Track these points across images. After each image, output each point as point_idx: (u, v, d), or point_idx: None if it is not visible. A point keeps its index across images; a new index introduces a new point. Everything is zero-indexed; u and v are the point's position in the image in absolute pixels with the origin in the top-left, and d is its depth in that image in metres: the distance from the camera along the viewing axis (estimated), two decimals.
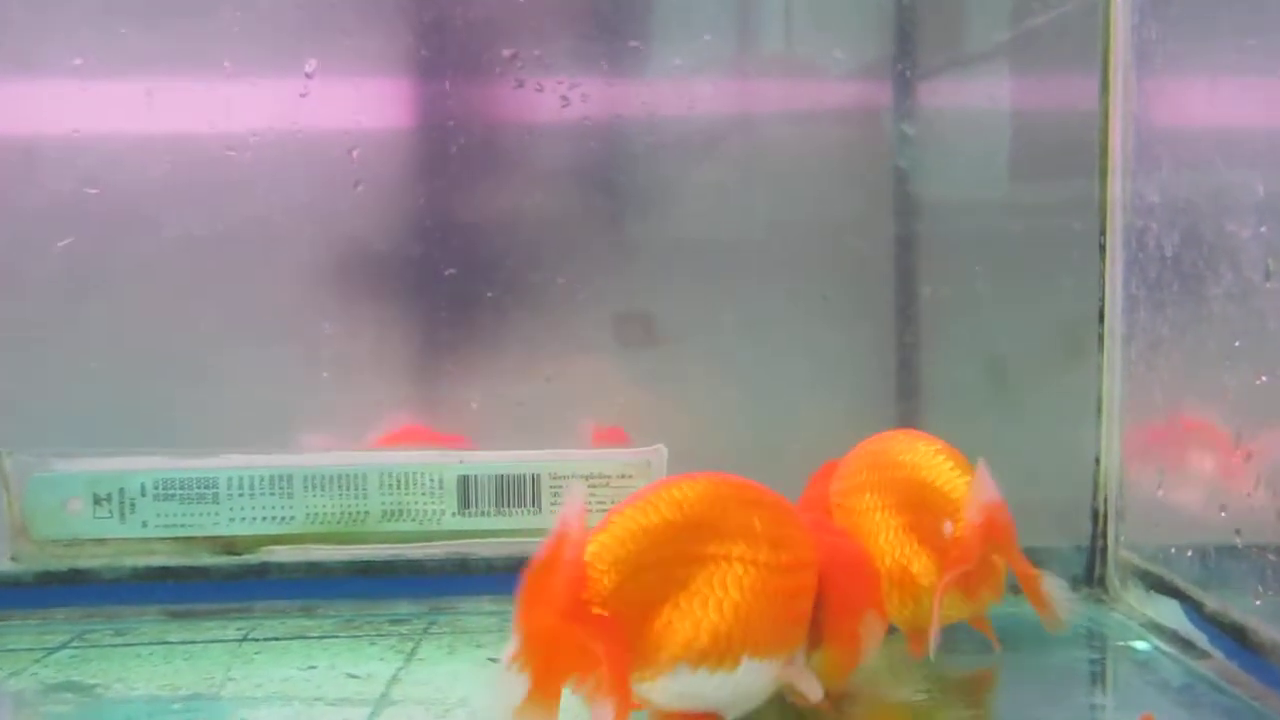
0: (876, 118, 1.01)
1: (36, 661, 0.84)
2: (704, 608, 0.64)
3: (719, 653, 0.64)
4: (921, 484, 0.80)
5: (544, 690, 0.59)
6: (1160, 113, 0.91)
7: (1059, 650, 0.86)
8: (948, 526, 0.78)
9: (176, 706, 0.76)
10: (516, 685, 0.58)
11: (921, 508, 0.79)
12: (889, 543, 0.80)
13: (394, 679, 0.80)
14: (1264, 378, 0.74)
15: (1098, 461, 0.98)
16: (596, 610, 0.61)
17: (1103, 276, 0.97)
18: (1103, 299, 0.97)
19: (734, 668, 0.64)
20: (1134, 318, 0.92)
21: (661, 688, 0.64)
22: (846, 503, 0.85)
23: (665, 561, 0.64)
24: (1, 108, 0.98)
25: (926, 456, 0.81)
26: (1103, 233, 0.97)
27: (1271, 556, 0.74)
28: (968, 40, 1.02)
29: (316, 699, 0.77)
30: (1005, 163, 1.01)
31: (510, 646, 0.59)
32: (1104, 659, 0.88)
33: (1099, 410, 0.97)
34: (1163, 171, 0.89)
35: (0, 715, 0.77)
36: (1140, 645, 0.87)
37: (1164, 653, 0.85)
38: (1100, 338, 0.97)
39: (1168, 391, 0.89)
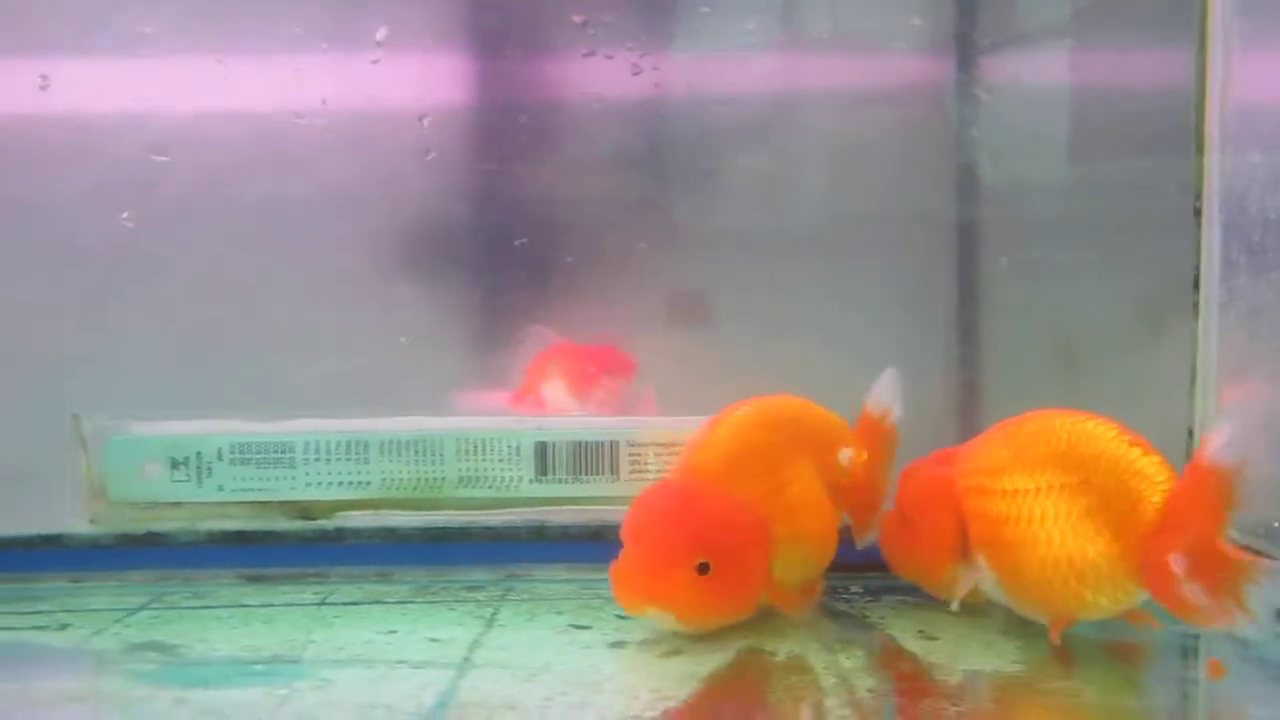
0: (941, 94, 0.99)
1: (117, 621, 0.84)
2: None
3: None
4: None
5: None
6: (1261, 80, 0.88)
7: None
8: None
9: (259, 667, 0.75)
10: None
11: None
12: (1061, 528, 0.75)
13: (475, 643, 0.79)
14: None
15: (1191, 433, 0.95)
16: None
17: (1199, 243, 0.94)
18: (1198, 266, 0.94)
19: None
20: (1233, 284, 0.89)
21: None
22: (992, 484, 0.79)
23: None
24: (73, 78, 0.98)
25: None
26: (1198, 197, 0.94)
27: None
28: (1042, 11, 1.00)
29: (400, 662, 0.76)
30: (1091, 137, 0.99)
31: None
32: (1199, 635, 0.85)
33: (1193, 380, 0.95)
34: (1264, 133, 0.86)
35: (86, 673, 0.77)
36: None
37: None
38: (1195, 306, 0.95)
39: (1269, 359, 0.86)
